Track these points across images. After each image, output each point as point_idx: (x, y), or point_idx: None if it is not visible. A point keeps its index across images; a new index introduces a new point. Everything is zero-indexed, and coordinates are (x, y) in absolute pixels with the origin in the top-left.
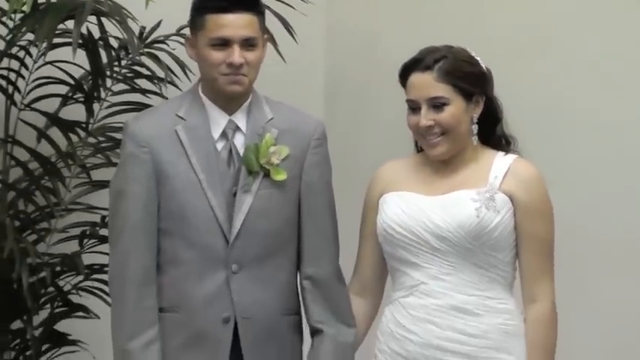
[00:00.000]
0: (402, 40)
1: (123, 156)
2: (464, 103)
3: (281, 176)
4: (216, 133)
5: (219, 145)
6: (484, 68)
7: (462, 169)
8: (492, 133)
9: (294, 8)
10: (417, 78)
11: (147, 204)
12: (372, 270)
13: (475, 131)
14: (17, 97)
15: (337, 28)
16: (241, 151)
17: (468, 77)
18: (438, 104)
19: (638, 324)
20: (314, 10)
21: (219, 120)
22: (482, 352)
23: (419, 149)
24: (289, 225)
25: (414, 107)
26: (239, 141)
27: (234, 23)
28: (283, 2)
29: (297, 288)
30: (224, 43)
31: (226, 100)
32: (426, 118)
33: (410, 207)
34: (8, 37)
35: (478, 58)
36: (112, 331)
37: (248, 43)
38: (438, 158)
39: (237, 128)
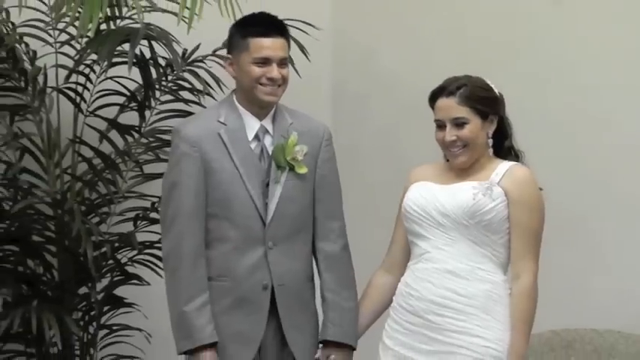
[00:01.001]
0: (396, 58)
1: (176, 154)
2: (480, 121)
3: (303, 170)
4: (250, 136)
5: (253, 145)
6: (497, 93)
7: (474, 173)
8: (502, 145)
9: (307, 34)
10: (442, 102)
11: (197, 193)
12: (401, 251)
13: (490, 144)
14: (83, 105)
15: (342, 48)
16: (270, 150)
17: (484, 101)
18: (459, 123)
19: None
20: (322, 33)
21: (252, 124)
22: (468, 309)
23: (446, 159)
24: (309, 209)
25: (440, 125)
26: (268, 141)
27: (273, 46)
28: (299, 29)
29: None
30: (264, 62)
31: (258, 108)
32: (450, 134)
33: (426, 192)
34: (76, 57)
35: (492, 85)
36: (169, 298)
37: (282, 62)
38: (460, 167)
39: (266, 131)
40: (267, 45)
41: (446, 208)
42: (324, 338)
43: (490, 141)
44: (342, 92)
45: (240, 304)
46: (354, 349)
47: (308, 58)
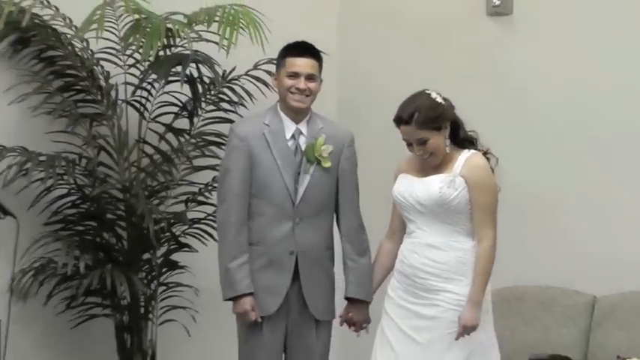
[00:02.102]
0: (393, 80)
1: (229, 147)
2: (437, 133)
3: (328, 164)
4: (288, 135)
5: (290, 143)
6: (443, 104)
7: (443, 165)
8: (457, 137)
9: None
10: (404, 129)
11: (243, 178)
12: (398, 222)
13: (448, 143)
14: (146, 114)
15: (346, 70)
16: (303, 147)
17: (435, 119)
18: (422, 142)
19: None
20: (329, 58)
21: (290, 127)
22: (444, 273)
23: None
24: (331, 194)
25: (408, 144)
26: (302, 141)
27: (303, 64)
28: None
29: (332, 233)
30: (295, 75)
31: (294, 114)
32: (417, 150)
33: (407, 184)
34: (141, 76)
35: (437, 98)
36: (219, 257)
37: (310, 77)
38: (433, 165)
39: (301, 133)
40: (298, 63)
41: (421, 198)
42: (347, 296)
43: (448, 141)
44: (346, 108)
45: (271, 265)
46: (369, 303)
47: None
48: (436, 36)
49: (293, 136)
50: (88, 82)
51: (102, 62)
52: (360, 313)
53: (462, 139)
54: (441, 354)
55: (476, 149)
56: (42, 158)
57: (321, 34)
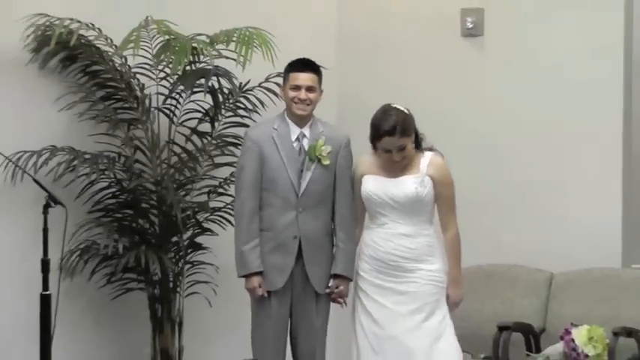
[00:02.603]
0: (383, 91)
1: (244, 148)
2: (410, 139)
3: (327, 162)
4: (293, 138)
5: (295, 144)
6: (410, 114)
7: (409, 166)
8: (416, 140)
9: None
10: (388, 139)
11: (255, 174)
12: (362, 212)
13: (413, 147)
14: (175, 119)
15: (343, 83)
16: (306, 148)
17: (409, 128)
18: (402, 148)
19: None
20: (329, 72)
21: (295, 131)
22: (416, 255)
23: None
24: (330, 188)
25: (388, 151)
26: (305, 142)
27: (303, 77)
28: None
29: (331, 221)
30: (297, 88)
31: (298, 120)
32: (397, 156)
33: (380, 184)
34: (170, 87)
35: (405, 110)
36: (235, 240)
37: (309, 89)
38: (399, 167)
39: (304, 135)
40: (300, 77)
41: (396, 196)
42: (334, 272)
43: (413, 146)
44: (343, 114)
45: (279, 248)
46: (351, 280)
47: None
48: (419, 53)
49: (297, 139)
50: (126, 92)
51: (138, 75)
52: (345, 287)
53: (420, 141)
54: (425, 320)
55: (429, 149)
56: (87, 156)
57: (322, 53)
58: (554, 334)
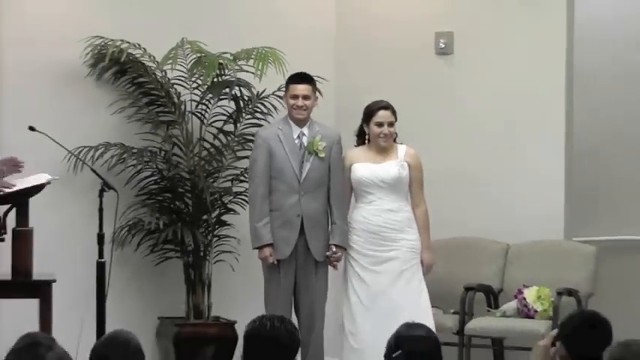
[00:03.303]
0: (374, 98)
1: (255, 144)
2: (394, 123)
3: (322, 155)
4: (294, 136)
5: (296, 141)
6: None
7: (386, 153)
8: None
9: (319, 82)
10: (384, 112)
11: (265, 165)
12: (348, 194)
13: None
14: (205, 120)
15: (341, 93)
16: (305, 144)
17: (395, 113)
18: (391, 124)
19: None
20: (328, 82)
21: (296, 130)
22: (400, 227)
23: (361, 143)
24: (325, 176)
25: (380, 125)
26: (304, 139)
27: (300, 88)
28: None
29: (327, 202)
30: (295, 97)
31: (298, 122)
32: (387, 130)
33: (368, 168)
34: (201, 95)
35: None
36: (249, 218)
37: (305, 97)
38: (386, 145)
39: (304, 134)
40: (297, 88)
41: (384, 178)
42: (333, 242)
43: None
44: (343, 119)
45: (285, 224)
46: (345, 249)
47: (320, 95)
48: (403, 68)
49: (298, 137)
50: (166, 99)
51: (175, 86)
52: (340, 254)
53: (395, 137)
54: (409, 282)
55: (400, 143)
56: (134, 151)
57: (323, 68)
58: (510, 294)
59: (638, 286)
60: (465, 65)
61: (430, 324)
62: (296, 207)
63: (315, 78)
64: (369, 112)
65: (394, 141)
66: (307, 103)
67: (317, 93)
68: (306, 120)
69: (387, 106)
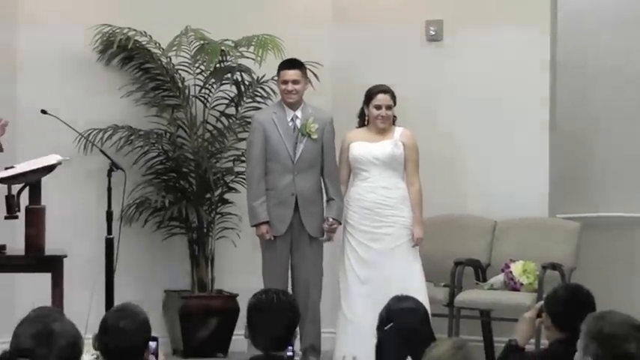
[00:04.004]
0: (370, 83)
1: (252, 127)
2: (393, 107)
3: (315, 137)
4: (288, 119)
5: (290, 124)
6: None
7: (383, 133)
8: (394, 119)
9: (316, 67)
10: (383, 96)
11: (261, 148)
12: (346, 172)
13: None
14: (208, 104)
15: (338, 78)
16: (299, 126)
17: (394, 97)
18: (389, 107)
19: None
20: (325, 67)
21: (290, 113)
22: (394, 204)
23: (362, 125)
24: (318, 156)
25: (379, 108)
26: (298, 122)
27: (289, 73)
28: (313, 65)
29: (320, 181)
30: (285, 82)
31: (290, 106)
32: (385, 112)
33: (365, 147)
34: (204, 80)
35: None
36: (247, 198)
37: (294, 82)
38: (384, 127)
39: (297, 117)
40: (287, 73)
41: (379, 156)
42: (329, 216)
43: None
44: (338, 108)
45: (281, 203)
46: (340, 223)
47: (315, 81)
48: (396, 54)
49: (292, 119)
50: (171, 84)
51: (180, 71)
52: (336, 226)
53: (394, 120)
54: (403, 257)
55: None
56: (141, 133)
57: (319, 52)
58: (497, 268)
59: (619, 260)
60: (453, 51)
61: (424, 297)
62: (290, 186)
63: (312, 63)
64: (369, 95)
65: (393, 123)
66: (297, 87)
67: (308, 77)
68: (298, 103)
69: (386, 90)
